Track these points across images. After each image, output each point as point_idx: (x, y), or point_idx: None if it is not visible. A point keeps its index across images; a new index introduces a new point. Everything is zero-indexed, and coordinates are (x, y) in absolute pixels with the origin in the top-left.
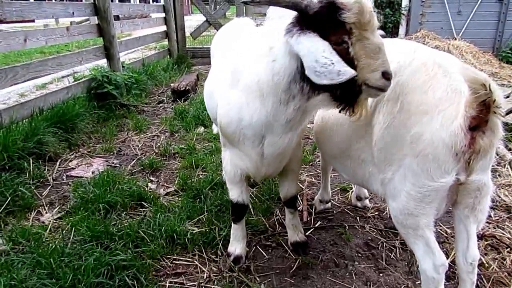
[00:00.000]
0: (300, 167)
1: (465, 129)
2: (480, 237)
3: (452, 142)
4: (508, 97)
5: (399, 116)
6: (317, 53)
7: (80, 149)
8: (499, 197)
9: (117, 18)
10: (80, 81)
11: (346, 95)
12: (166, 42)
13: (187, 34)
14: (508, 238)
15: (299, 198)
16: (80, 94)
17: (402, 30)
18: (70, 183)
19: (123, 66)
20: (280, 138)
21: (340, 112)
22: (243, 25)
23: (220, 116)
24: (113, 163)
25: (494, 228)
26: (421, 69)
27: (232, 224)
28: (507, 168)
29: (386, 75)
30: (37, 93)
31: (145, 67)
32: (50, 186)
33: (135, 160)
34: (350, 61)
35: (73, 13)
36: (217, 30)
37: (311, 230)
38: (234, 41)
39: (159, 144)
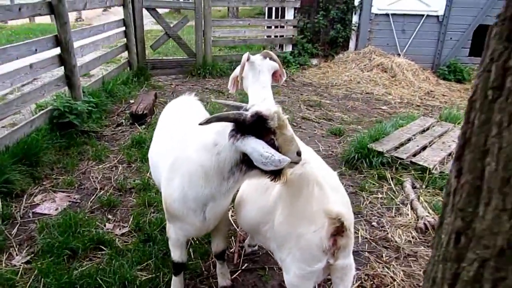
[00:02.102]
0: (228, 226)
1: (328, 236)
2: (370, 277)
3: (320, 243)
4: (425, 131)
5: (289, 218)
6: (260, 150)
7: (44, 183)
8: (393, 237)
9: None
10: (43, 111)
11: (275, 169)
12: (126, 54)
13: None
14: (391, 277)
15: (232, 239)
16: (43, 125)
17: (352, 44)
18: (36, 220)
19: (83, 92)
20: (220, 203)
21: (271, 180)
22: (187, 107)
23: (164, 198)
24: (74, 198)
25: (383, 268)
26: (304, 185)
27: (173, 276)
28: (408, 207)
29: (299, 153)
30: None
31: (105, 85)
32: (18, 225)
33: (94, 195)
34: (277, 149)
35: (36, 50)
36: (176, 42)
37: (238, 272)
38: (177, 124)
39: (116, 177)
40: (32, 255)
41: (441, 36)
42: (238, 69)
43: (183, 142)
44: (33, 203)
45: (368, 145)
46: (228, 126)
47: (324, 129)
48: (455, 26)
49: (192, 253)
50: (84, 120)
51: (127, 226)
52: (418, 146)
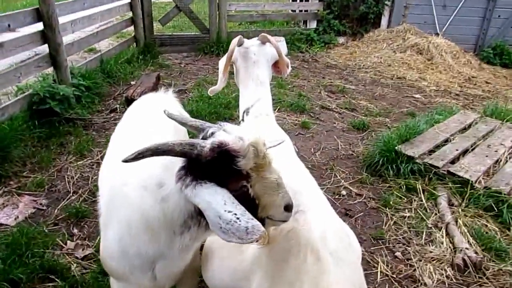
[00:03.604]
0: (196, 277)
1: None
2: None
3: None
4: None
5: None
6: (219, 208)
7: (11, 182)
8: (422, 277)
9: None
10: (19, 97)
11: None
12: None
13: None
14: None
15: None
16: (19, 112)
17: (384, 21)
18: None
19: (72, 73)
20: (174, 262)
21: None
22: (156, 111)
23: (101, 250)
24: (41, 204)
25: None
26: (293, 251)
27: None
28: (442, 233)
29: (288, 208)
30: None
31: (103, 64)
32: None
33: (65, 200)
34: (251, 201)
35: (9, 25)
36: (187, 16)
37: None
38: (137, 136)
39: (96, 177)
40: None
41: (488, 13)
42: (224, 58)
43: (125, 172)
44: None
45: (396, 147)
46: (179, 161)
47: (345, 122)
48: (505, 1)
49: None
50: (72, 105)
51: (92, 246)
52: (457, 150)
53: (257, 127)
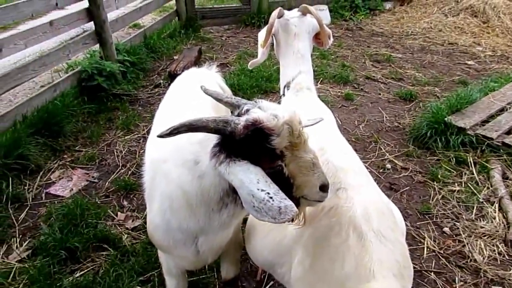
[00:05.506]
0: (239, 250)
1: None
2: None
3: None
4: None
5: (309, 275)
6: (252, 186)
7: (65, 156)
8: (471, 253)
9: None
10: (69, 74)
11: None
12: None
13: None
14: None
15: None
16: (70, 89)
17: None
18: (47, 203)
19: (117, 50)
20: (215, 237)
21: None
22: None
23: (147, 222)
24: (93, 177)
25: None
26: (335, 228)
27: None
28: (495, 207)
29: (323, 188)
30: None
31: (146, 40)
32: (27, 208)
33: (114, 174)
34: (286, 180)
35: (56, 4)
36: None
37: None
38: (178, 112)
39: (142, 151)
40: (31, 250)
41: None
42: (264, 31)
43: (164, 147)
44: (49, 181)
45: (446, 118)
46: (214, 138)
47: (391, 92)
48: None
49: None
50: (118, 81)
51: (140, 218)
52: None
53: (297, 104)
